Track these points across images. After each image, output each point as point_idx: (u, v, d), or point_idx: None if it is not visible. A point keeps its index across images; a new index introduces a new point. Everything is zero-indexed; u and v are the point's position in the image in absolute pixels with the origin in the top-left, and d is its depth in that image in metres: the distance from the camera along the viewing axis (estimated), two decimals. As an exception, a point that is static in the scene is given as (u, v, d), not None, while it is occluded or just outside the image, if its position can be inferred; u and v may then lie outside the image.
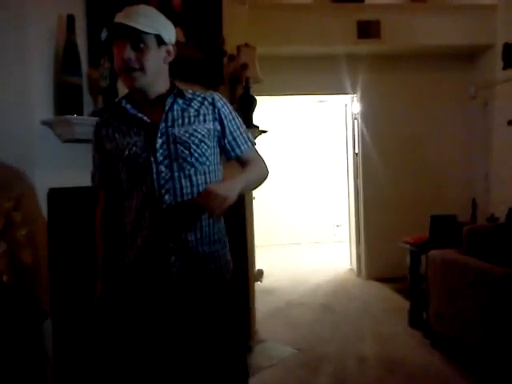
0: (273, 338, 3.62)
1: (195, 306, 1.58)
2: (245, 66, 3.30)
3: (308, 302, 4.63)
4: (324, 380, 2.95)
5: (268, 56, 4.17)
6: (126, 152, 1.55)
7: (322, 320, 4.09)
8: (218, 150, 1.65)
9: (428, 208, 4.28)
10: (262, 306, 4.11)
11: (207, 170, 1.59)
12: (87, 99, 2.31)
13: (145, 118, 1.56)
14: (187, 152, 1.54)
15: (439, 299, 3.22)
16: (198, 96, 1.64)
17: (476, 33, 4.99)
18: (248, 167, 1.68)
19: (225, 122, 1.64)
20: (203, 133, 1.58)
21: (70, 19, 2.22)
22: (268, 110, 6.43)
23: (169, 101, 1.57)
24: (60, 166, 2.22)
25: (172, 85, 1.63)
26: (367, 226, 5.50)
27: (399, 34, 4.95)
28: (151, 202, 1.53)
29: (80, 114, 2.18)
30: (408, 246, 3.88)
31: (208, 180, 1.59)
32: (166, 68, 1.61)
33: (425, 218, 3.83)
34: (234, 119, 1.68)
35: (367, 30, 4.88)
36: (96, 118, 1.79)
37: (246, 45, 3.38)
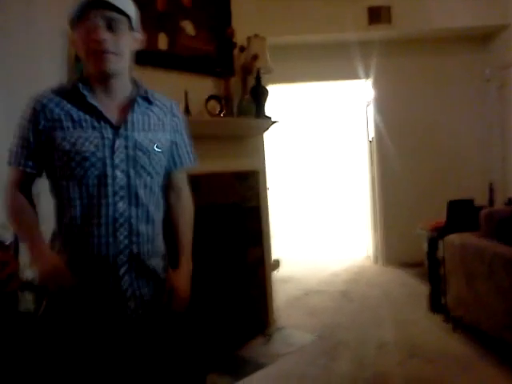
0: (292, 326, 3.64)
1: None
2: (255, 57, 3.31)
3: (326, 289, 4.65)
4: (344, 366, 2.97)
5: (279, 45, 4.16)
6: (77, 146, 1.37)
7: (341, 307, 4.10)
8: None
9: (445, 193, 4.24)
10: (280, 294, 4.14)
11: (160, 182, 1.51)
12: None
13: (107, 115, 1.41)
14: (147, 160, 1.44)
15: (458, 284, 3.21)
16: (157, 100, 1.53)
17: (489, 14, 4.90)
18: (185, 237, 1.60)
19: (178, 136, 1.57)
20: (163, 142, 1.50)
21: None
22: (280, 99, 6.41)
23: (136, 102, 1.46)
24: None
25: (133, 81, 1.51)
26: (384, 213, 5.48)
27: (410, 18, 4.89)
28: (101, 206, 1.38)
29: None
30: (425, 231, 3.87)
31: (159, 192, 1.51)
32: (131, 58, 1.47)
33: (442, 204, 3.80)
34: (185, 134, 1.61)
35: (378, 15, 4.84)
36: None
37: (256, 35, 3.38)
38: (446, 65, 5.30)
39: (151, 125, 1.48)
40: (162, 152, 1.49)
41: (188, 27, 2.99)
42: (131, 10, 1.43)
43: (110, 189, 1.38)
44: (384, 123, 5.38)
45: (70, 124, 1.38)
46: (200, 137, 3.09)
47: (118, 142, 1.40)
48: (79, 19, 1.36)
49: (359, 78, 5.33)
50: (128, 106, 1.45)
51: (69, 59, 2.30)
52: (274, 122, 3.44)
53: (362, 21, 4.87)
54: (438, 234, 3.70)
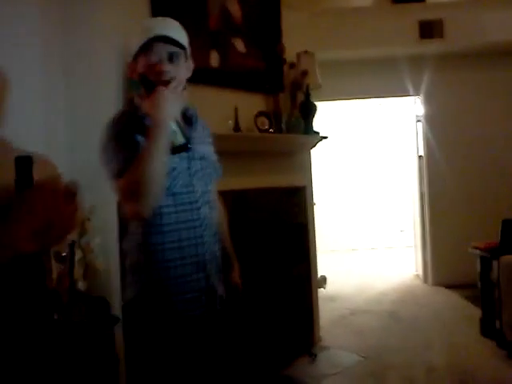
0: (337, 346, 3.58)
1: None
2: (305, 73, 3.31)
3: (373, 309, 4.55)
4: (391, 389, 2.89)
5: (327, 61, 4.15)
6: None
7: (389, 327, 4.00)
8: None
9: (497, 212, 4.10)
10: (325, 312, 4.07)
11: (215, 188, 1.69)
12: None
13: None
14: (210, 169, 1.63)
15: (513, 308, 3.07)
16: (198, 121, 1.67)
17: (547, 26, 4.73)
18: (227, 239, 1.81)
19: (213, 149, 1.73)
20: (212, 152, 1.68)
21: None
22: (329, 114, 6.39)
23: (195, 119, 1.63)
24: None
25: None
26: (433, 231, 5.33)
27: (464, 31, 4.77)
28: (189, 210, 1.54)
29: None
30: (478, 251, 3.73)
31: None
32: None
33: (494, 223, 3.67)
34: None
35: (430, 29, 4.75)
36: None
37: (306, 52, 3.39)
38: (501, 79, 5.13)
39: (202, 138, 1.65)
40: (214, 161, 1.66)
41: (239, 44, 3.03)
42: (186, 42, 1.57)
43: (192, 195, 1.54)
44: (435, 139, 5.26)
45: None
46: (248, 152, 3.13)
47: (191, 154, 1.55)
48: (143, 50, 1.50)
49: (409, 94, 5.24)
50: (188, 124, 1.60)
51: (124, 82, 2.39)
52: (323, 138, 3.42)
53: (413, 35, 4.79)
54: (491, 254, 3.56)
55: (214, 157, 1.69)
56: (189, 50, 1.59)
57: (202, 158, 1.60)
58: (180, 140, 1.46)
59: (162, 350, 1.54)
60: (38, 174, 0.86)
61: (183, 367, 1.55)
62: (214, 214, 1.63)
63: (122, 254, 1.67)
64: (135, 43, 1.51)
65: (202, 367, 1.60)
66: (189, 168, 1.55)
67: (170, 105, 1.44)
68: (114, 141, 1.50)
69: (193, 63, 1.62)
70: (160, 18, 1.65)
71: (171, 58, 1.51)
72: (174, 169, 1.50)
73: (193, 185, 1.55)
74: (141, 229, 1.55)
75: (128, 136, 1.48)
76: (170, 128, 1.44)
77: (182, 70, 1.55)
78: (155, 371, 1.54)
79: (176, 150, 1.47)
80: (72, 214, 0.85)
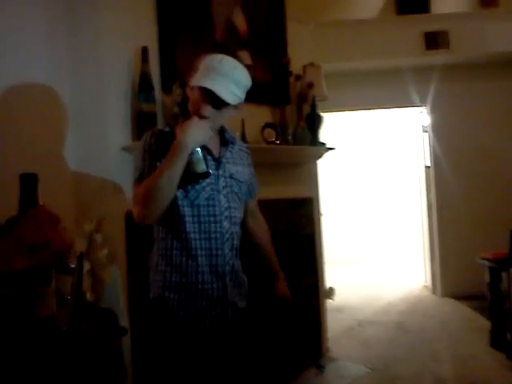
0: (345, 357, 3.56)
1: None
2: (311, 85, 3.33)
3: (381, 320, 4.52)
4: (400, 402, 2.87)
5: (333, 72, 4.17)
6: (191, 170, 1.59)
7: (397, 339, 3.97)
8: None
9: (506, 222, 4.06)
10: (333, 323, 4.05)
11: (243, 209, 1.80)
12: (162, 124, 2.44)
13: (213, 149, 1.68)
14: (238, 187, 1.73)
15: (523, 319, 3.04)
16: (237, 140, 1.82)
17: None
18: (271, 251, 2.01)
19: (252, 169, 1.87)
20: (245, 174, 1.80)
21: (144, 51, 2.36)
22: (335, 125, 6.41)
23: (230, 142, 1.74)
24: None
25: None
26: (441, 242, 5.30)
27: (470, 42, 4.79)
28: (212, 222, 1.64)
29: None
30: (487, 262, 3.70)
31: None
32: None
33: (502, 233, 3.64)
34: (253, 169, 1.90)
35: (435, 40, 4.76)
36: None
37: (311, 64, 3.41)
38: (507, 89, 5.13)
39: (236, 159, 1.77)
40: (244, 182, 1.78)
41: (245, 57, 3.06)
42: (241, 94, 1.64)
43: (217, 209, 1.64)
44: (442, 149, 5.25)
45: None
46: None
47: (220, 171, 1.67)
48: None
49: (414, 104, 5.24)
50: (222, 145, 1.73)
51: (132, 90, 2.41)
52: (330, 149, 3.43)
53: (419, 46, 4.81)
54: (500, 265, 3.53)
55: (247, 178, 1.80)
56: (242, 102, 1.68)
57: (230, 177, 1.70)
58: (202, 168, 1.57)
59: (167, 354, 1.63)
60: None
61: (188, 374, 1.59)
62: (237, 229, 1.73)
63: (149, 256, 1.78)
64: (195, 79, 1.59)
65: (209, 376, 1.62)
66: (216, 184, 1.65)
67: (197, 132, 1.55)
68: (142, 151, 1.63)
69: (242, 107, 1.71)
70: (223, 65, 1.61)
71: (218, 106, 1.59)
72: (199, 183, 1.61)
73: (218, 199, 1.65)
74: (163, 234, 1.67)
75: (155, 149, 1.60)
76: (195, 154, 1.55)
77: (226, 114, 1.65)
78: (160, 375, 1.59)
79: (196, 175, 1.58)
80: (64, 233, 0.88)
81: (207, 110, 1.59)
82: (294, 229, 3.40)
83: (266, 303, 1.99)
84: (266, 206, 3.26)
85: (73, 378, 1.64)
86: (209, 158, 1.65)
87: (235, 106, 1.66)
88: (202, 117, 1.58)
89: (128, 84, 2.40)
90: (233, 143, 1.77)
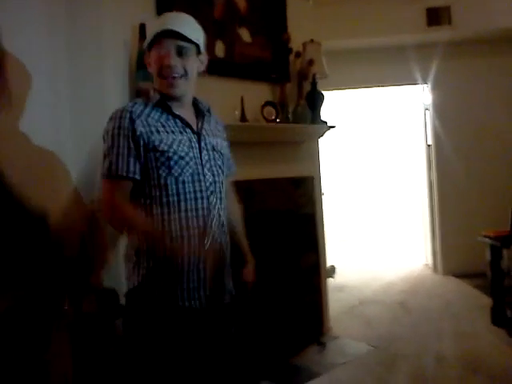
0: (347, 335, 3.58)
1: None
2: (311, 62, 3.29)
3: (383, 299, 4.53)
4: (401, 378, 2.88)
5: (334, 50, 4.12)
6: (174, 147, 1.54)
7: (398, 317, 3.99)
8: None
9: (507, 200, 4.05)
10: (334, 302, 4.07)
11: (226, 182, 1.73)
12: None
13: (190, 122, 1.62)
14: (220, 160, 1.67)
15: (524, 296, 3.05)
16: (211, 113, 1.74)
17: (558, 11, 4.65)
18: (241, 233, 1.83)
19: (228, 144, 1.80)
20: (224, 146, 1.74)
21: (142, 28, 2.32)
22: (337, 103, 6.36)
23: (206, 112, 1.69)
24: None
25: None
26: (442, 220, 5.30)
27: (472, 18, 4.71)
28: (198, 199, 1.57)
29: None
30: (488, 240, 3.70)
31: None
32: (196, 77, 1.67)
33: (503, 211, 3.64)
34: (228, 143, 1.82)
35: (437, 16, 4.69)
36: None
37: (312, 41, 3.36)
38: (510, 65, 5.07)
39: (215, 131, 1.71)
40: (225, 155, 1.71)
41: (244, 34, 3.02)
42: (199, 36, 1.62)
43: (202, 184, 1.58)
44: (444, 128, 5.21)
45: (162, 129, 1.56)
46: (255, 142, 3.13)
47: (202, 144, 1.61)
48: (154, 44, 1.57)
49: (416, 82, 5.19)
50: (199, 116, 1.66)
51: (130, 68, 2.37)
52: (331, 127, 3.40)
53: (421, 23, 4.74)
54: (502, 243, 3.53)
55: (226, 151, 1.74)
56: (203, 45, 1.64)
57: (213, 149, 1.65)
58: None
59: (157, 337, 1.53)
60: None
61: (179, 358, 1.52)
62: (223, 205, 1.65)
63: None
64: (149, 37, 1.58)
65: (201, 360, 1.57)
66: (199, 157, 1.59)
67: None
68: (111, 138, 1.54)
69: (207, 56, 1.67)
70: (174, 13, 1.69)
71: (180, 52, 1.55)
72: (182, 158, 1.54)
73: (203, 174, 1.58)
74: (148, 215, 1.54)
75: (122, 137, 1.52)
76: None
77: (192, 63, 1.59)
78: (150, 360, 1.53)
79: None
80: None
81: (172, 59, 1.54)
82: (295, 208, 3.39)
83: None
84: (267, 184, 3.27)
85: (75, 355, 1.65)
86: (188, 131, 1.60)
87: (198, 53, 1.61)
88: (168, 67, 1.54)
89: (126, 62, 2.37)
90: (209, 113, 1.71)
